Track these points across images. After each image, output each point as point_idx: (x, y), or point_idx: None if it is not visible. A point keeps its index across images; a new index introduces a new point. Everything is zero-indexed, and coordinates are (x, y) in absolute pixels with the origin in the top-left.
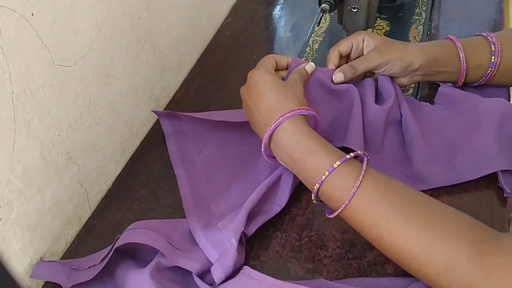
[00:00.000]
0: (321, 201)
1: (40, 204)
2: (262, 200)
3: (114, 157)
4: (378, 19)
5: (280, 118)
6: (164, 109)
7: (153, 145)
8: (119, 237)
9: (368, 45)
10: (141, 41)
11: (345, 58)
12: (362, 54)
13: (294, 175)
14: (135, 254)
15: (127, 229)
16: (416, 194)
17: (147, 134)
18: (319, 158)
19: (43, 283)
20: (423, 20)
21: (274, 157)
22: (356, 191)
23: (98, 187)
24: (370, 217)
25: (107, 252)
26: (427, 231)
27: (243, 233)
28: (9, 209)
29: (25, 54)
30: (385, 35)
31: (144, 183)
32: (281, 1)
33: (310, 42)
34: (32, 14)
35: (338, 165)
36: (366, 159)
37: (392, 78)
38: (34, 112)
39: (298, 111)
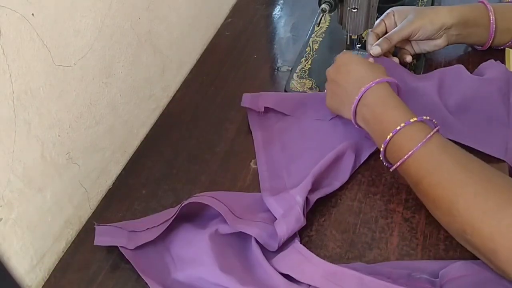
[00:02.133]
0: (385, 158)
1: (40, 204)
2: (327, 172)
3: (114, 157)
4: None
5: (371, 82)
6: (164, 109)
7: (153, 145)
8: (182, 204)
9: (400, 17)
10: (141, 41)
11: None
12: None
13: (356, 156)
14: (191, 222)
15: (191, 196)
16: (480, 161)
17: (147, 134)
18: (399, 113)
19: (43, 283)
20: None
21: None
22: (425, 141)
23: (98, 187)
24: (433, 166)
25: (167, 216)
26: (484, 175)
27: (307, 198)
28: (10, 209)
29: (26, 54)
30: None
31: (144, 183)
32: (281, 1)
33: (310, 42)
34: (33, 14)
35: (414, 121)
36: (437, 127)
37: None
38: (34, 112)
39: (386, 78)
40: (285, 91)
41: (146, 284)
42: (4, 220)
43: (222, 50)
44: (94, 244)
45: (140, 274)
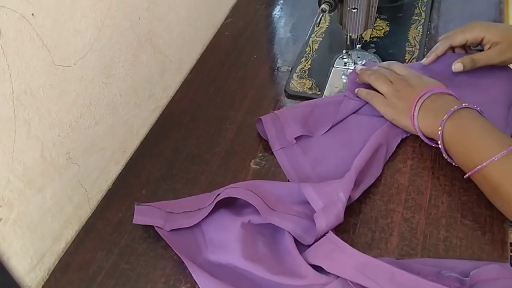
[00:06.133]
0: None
1: (40, 204)
2: (365, 166)
3: (114, 157)
4: (378, 19)
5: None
6: (164, 109)
7: (153, 145)
8: (218, 195)
9: (489, 41)
10: (141, 41)
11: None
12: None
13: (388, 146)
14: (226, 208)
15: (227, 187)
16: None
17: (147, 134)
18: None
19: (43, 283)
20: (423, 20)
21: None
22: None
23: (98, 187)
24: None
25: (203, 202)
26: None
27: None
28: (9, 209)
29: (26, 54)
30: (384, 35)
31: (144, 183)
32: (281, 1)
33: (310, 43)
34: (33, 14)
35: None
36: None
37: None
38: (34, 112)
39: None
40: (285, 91)
41: (145, 284)
42: (4, 220)
43: (222, 50)
44: (133, 222)
45: (174, 250)
